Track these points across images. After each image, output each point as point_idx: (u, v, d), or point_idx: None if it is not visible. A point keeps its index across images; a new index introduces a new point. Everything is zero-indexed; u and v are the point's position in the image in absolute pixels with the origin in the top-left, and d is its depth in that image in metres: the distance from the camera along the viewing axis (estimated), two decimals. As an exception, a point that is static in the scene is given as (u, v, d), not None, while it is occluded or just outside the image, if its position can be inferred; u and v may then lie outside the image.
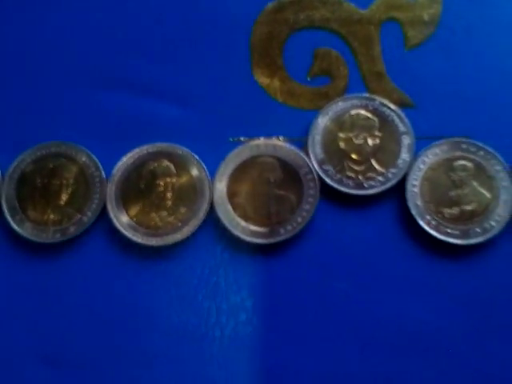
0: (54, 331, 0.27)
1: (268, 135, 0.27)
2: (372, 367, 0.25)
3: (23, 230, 0.26)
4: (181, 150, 0.27)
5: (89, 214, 0.26)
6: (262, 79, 0.28)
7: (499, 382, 0.25)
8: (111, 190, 0.27)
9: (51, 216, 0.27)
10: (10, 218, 0.27)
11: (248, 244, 0.26)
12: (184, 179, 0.26)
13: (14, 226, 0.27)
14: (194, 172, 0.26)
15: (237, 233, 0.26)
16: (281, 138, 0.27)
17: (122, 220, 0.26)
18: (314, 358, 0.25)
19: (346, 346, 0.25)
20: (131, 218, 0.26)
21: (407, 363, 0.25)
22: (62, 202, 0.27)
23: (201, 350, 0.26)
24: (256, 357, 0.26)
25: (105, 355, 0.26)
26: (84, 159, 0.27)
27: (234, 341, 0.26)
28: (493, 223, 0.25)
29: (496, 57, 0.27)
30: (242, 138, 0.27)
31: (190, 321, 0.26)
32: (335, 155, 0.27)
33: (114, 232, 0.27)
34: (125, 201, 0.27)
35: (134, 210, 0.26)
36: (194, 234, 0.26)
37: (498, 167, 0.26)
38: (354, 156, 0.27)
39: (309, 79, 0.28)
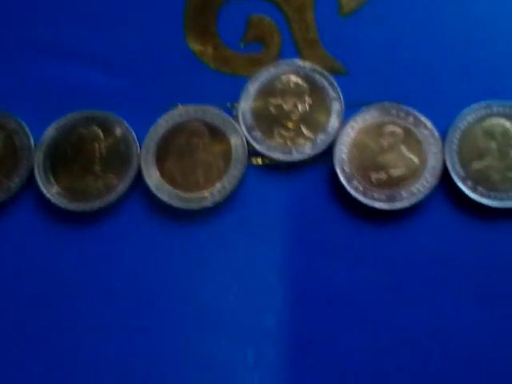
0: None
1: (200, 102, 0.27)
2: (295, 330, 0.25)
3: None
4: (109, 115, 0.27)
5: (16, 180, 0.26)
6: (196, 46, 0.28)
7: (422, 346, 0.25)
8: (39, 156, 0.27)
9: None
10: None
11: (176, 210, 0.26)
12: (112, 145, 0.26)
13: None
14: (123, 137, 0.26)
15: (164, 198, 0.26)
16: (211, 104, 0.27)
17: (49, 186, 0.26)
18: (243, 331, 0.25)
19: (271, 307, 0.25)
20: (59, 184, 0.26)
21: (332, 326, 0.25)
22: (-11, 167, 0.26)
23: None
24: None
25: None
26: (13, 126, 0.27)
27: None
28: (420, 188, 0.25)
29: (427, 24, 0.27)
30: (179, 105, 0.27)
31: (117, 285, 0.26)
32: (265, 121, 0.26)
33: (42, 198, 0.26)
34: (53, 167, 0.26)
35: (62, 176, 0.26)
36: (121, 200, 0.26)
37: (427, 132, 0.26)
38: (283, 122, 0.26)
39: (242, 46, 0.28)
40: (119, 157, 0.26)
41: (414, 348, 0.24)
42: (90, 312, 0.26)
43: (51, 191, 0.26)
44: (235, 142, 0.26)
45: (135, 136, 0.26)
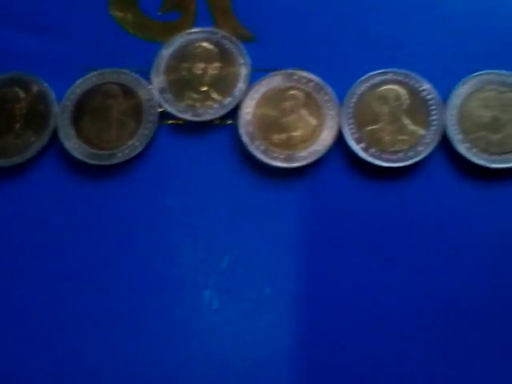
0: None
1: (118, 65, 0.29)
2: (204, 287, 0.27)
3: None
4: (30, 76, 0.28)
5: None
6: (117, 13, 0.30)
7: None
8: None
9: None
10: None
11: (90, 166, 0.28)
12: (31, 104, 0.28)
13: None
14: (41, 96, 0.28)
15: (78, 156, 0.28)
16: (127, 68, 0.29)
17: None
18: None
19: (177, 257, 0.27)
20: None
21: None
22: None
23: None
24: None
25: None
26: None
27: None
28: (317, 148, 0.27)
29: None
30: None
31: (36, 238, 0.28)
32: (176, 84, 0.28)
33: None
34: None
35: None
36: (38, 156, 0.28)
37: (327, 97, 0.28)
38: (193, 85, 0.28)
39: (159, 14, 0.30)
40: (38, 116, 0.28)
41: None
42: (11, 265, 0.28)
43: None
44: (147, 103, 0.28)
45: (54, 95, 0.28)
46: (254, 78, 0.28)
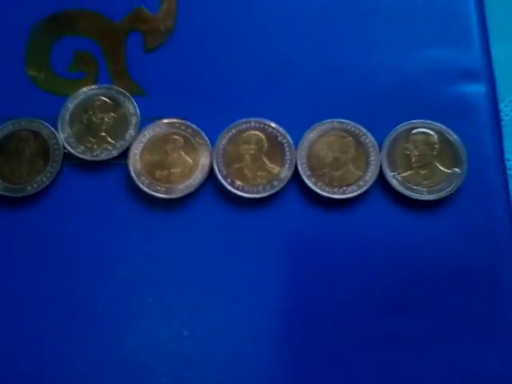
0: None
1: (30, 116, 0.35)
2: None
3: None
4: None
5: None
6: (32, 72, 0.36)
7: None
8: None
9: None
10: None
11: (5, 199, 0.34)
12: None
13: None
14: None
15: (-4, 189, 0.34)
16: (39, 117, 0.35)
17: None
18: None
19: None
20: None
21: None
22: None
23: None
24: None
25: None
26: None
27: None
28: (192, 182, 0.33)
29: (212, 57, 0.36)
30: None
31: None
32: (79, 131, 0.34)
33: None
34: None
35: None
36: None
37: (201, 141, 0.34)
38: (92, 131, 0.34)
39: (69, 73, 0.36)
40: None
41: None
42: None
43: None
44: (53, 145, 0.34)
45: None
46: (142, 125, 0.34)
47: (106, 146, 0.34)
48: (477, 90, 0.35)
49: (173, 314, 0.32)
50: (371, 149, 0.34)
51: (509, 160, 0.35)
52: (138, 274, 0.33)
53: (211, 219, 0.33)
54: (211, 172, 0.34)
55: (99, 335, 0.32)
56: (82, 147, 0.34)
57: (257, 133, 0.34)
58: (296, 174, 0.33)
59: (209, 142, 0.34)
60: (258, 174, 0.33)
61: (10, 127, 0.34)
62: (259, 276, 0.33)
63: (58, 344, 0.32)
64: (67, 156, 0.34)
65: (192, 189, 0.33)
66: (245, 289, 0.32)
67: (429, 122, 0.34)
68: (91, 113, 0.34)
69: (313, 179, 0.33)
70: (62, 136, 0.34)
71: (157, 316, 0.32)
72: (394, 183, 0.33)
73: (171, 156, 0.34)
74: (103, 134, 0.34)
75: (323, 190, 0.33)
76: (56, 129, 0.34)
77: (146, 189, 0.33)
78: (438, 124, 0.34)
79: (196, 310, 0.32)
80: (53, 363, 0.32)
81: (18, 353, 0.32)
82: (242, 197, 0.33)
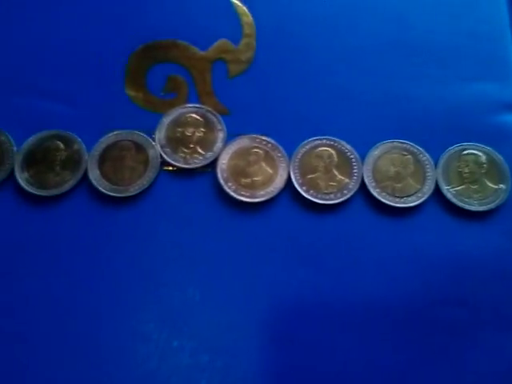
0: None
1: (131, 128, 0.40)
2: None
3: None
4: (68, 134, 0.40)
5: (2, 173, 0.39)
6: (131, 92, 0.41)
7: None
8: (18, 159, 0.39)
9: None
10: None
11: (109, 197, 0.39)
12: (69, 153, 0.39)
13: None
14: (77, 149, 0.39)
15: (101, 189, 0.39)
16: (139, 130, 0.40)
17: (25, 179, 0.39)
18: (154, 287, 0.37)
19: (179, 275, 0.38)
20: (31, 177, 0.39)
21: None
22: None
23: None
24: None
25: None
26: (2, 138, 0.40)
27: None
28: (272, 189, 0.39)
29: (283, 85, 0.41)
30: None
31: (67, 260, 0.38)
32: (173, 142, 0.40)
33: (19, 187, 0.39)
34: (27, 167, 0.39)
35: (32, 172, 0.39)
36: (72, 190, 0.39)
37: (279, 154, 0.39)
38: (185, 143, 0.40)
39: (162, 94, 0.42)
40: (73, 161, 0.39)
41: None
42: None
43: (24, 181, 0.39)
44: (152, 154, 0.39)
45: (85, 148, 0.39)
46: (228, 140, 0.40)
47: (196, 156, 0.39)
48: (516, 118, 0.40)
49: (251, 306, 0.37)
50: (428, 166, 0.39)
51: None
52: (225, 268, 0.37)
53: (289, 222, 0.38)
54: (289, 181, 0.38)
55: (190, 323, 0.36)
56: (176, 156, 0.39)
57: (328, 149, 0.39)
58: (362, 185, 0.38)
59: (286, 155, 0.39)
60: (330, 183, 0.38)
61: (114, 138, 0.39)
62: (330, 272, 0.37)
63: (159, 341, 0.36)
64: (163, 163, 0.39)
65: (272, 195, 0.38)
66: (319, 284, 0.37)
67: (478, 144, 0.39)
68: (184, 128, 0.40)
69: (377, 190, 0.38)
70: (158, 146, 0.39)
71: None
72: (449, 196, 0.38)
73: (253, 166, 0.39)
74: (194, 145, 0.39)
75: (387, 200, 0.38)
76: (153, 140, 0.39)
77: (232, 193, 0.38)
78: (486, 146, 0.39)
79: (281, 305, 0.37)
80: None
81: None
82: (315, 203, 0.38)
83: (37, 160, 0.39)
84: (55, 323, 0.36)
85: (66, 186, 0.38)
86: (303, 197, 0.38)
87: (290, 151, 0.39)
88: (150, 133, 0.40)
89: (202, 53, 0.42)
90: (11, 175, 0.39)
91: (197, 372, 0.35)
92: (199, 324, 0.36)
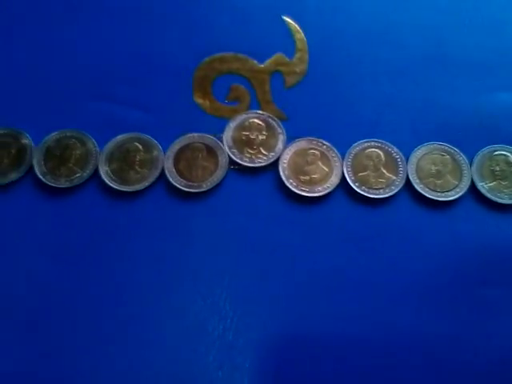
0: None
1: (200, 132, 0.45)
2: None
3: (46, 179, 0.44)
4: (146, 136, 0.45)
5: (87, 171, 0.44)
6: (199, 100, 0.47)
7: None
8: (101, 158, 0.44)
9: (63, 172, 0.44)
10: (38, 172, 0.44)
11: (184, 192, 0.44)
12: (147, 153, 0.44)
13: (40, 177, 0.44)
14: (153, 149, 0.44)
15: (177, 185, 0.44)
16: (208, 134, 0.45)
17: (106, 173, 0.44)
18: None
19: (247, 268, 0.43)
20: (112, 173, 0.44)
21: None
22: (71, 164, 0.44)
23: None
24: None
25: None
26: (89, 143, 0.45)
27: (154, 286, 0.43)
28: (329, 185, 0.44)
29: (333, 93, 0.47)
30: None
31: (145, 252, 0.43)
32: (239, 144, 0.45)
33: (101, 183, 0.44)
34: (109, 163, 0.44)
35: (114, 169, 0.44)
36: (151, 186, 0.44)
37: (333, 154, 0.45)
38: (249, 145, 0.45)
39: (227, 102, 0.47)
40: (150, 161, 0.44)
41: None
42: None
43: (108, 177, 0.44)
44: (221, 155, 0.44)
45: (161, 148, 0.44)
46: (287, 142, 0.45)
47: (260, 156, 0.44)
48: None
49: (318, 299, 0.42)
50: (464, 165, 0.44)
51: None
52: (288, 257, 0.42)
53: (344, 214, 0.43)
54: (343, 178, 0.44)
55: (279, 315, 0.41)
56: (243, 156, 0.44)
57: (376, 150, 0.44)
58: (407, 182, 0.44)
59: (339, 155, 0.44)
60: (379, 180, 0.44)
61: (187, 140, 0.45)
62: (381, 257, 0.42)
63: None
64: (231, 163, 0.44)
65: (329, 190, 0.43)
66: (372, 269, 0.42)
67: (507, 146, 0.45)
68: (249, 131, 0.45)
69: (421, 185, 0.43)
70: (227, 148, 0.44)
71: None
72: (483, 190, 0.43)
73: (311, 165, 0.44)
74: (258, 147, 0.44)
75: (429, 194, 0.43)
76: (222, 142, 0.44)
77: (293, 189, 0.43)
78: (514, 148, 0.45)
79: (346, 299, 0.42)
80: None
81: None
82: (367, 197, 0.43)
83: (119, 160, 0.44)
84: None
85: (145, 183, 0.43)
86: (356, 192, 0.43)
87: (342, 152, 0.44)
88: (218, 136, 0.45)
89: (260, 65, 0.47)
90: (95, 173, 0.44)
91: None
92: (277, 309, 0.41)
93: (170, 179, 0.43)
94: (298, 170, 0.44)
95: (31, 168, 0.44)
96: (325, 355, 0.40)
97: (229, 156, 0.44)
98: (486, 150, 0.45)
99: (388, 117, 0.46)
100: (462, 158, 0.44)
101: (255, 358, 0.40)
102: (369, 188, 0.43)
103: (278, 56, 0.48)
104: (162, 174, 0.44)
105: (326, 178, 0.43)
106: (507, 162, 0.44)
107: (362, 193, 0.43)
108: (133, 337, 0.40)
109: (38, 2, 0.49)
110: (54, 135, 0.44)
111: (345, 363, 0.39)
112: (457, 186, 0.43)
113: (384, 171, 0.44)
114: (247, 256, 0.42)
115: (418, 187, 0.43)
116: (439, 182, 0.43)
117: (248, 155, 0.44)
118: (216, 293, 0.41)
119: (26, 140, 0.44)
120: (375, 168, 0.44)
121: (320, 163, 0.44)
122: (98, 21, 0.48)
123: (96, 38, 0.48)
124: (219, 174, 0.43)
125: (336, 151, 0.44)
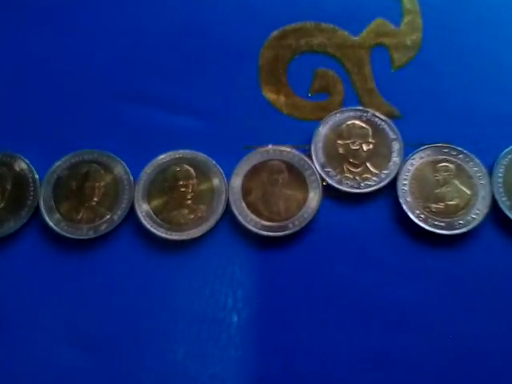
0: (86, 319, 0.29)
1: (276, 143, 0.31)
2: (369, 343, 0.28)
3: (59, 228, 0.30)
4: (200, 155, 0.30)
5: (118, 212, 0.30)
6: (270, 95, 0.32)
7: (479, 358, 0.28)
8: (138, 191, 0.30)
9: (84, 215, 0.30)
10: (47, 218, 0.30)
11: (260, 237, 0.30)
12: (203, 181, 0.30)
13: (51, 225, 0.30)
14: (212, 175, 0.30)
15: (250, 227, 0.30)
16: (287, 145, 0.31)
17: (146, 214, 0.30)
18: (319, 335, 0.29)
19: (346, 324, 0.29)
20: (155, 213, 0.30)
21: (400, 338, 0.29)
22: (94, 203, 0.30)
23: (219, 334, 0.29)
24: (269, 338, 0.29)
25: (130, 340, 0.29)
26: (118, 168, 0.30)
27: (250, 324, 0.29)
28: (474, 216, 0.29)
29: (467, 74, 0.32)
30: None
31: (210, 307, 0.29)
32: (335, 159, 0.30)
33: (140, 228, 0.30)
34: (149, 199, 0.30)
35: (157, 207, 0.30)
36: (212, 230, 0.30)
37: (476, 168, 0.30)
38: (351, 160, 0.30)
39: (310, 95, 0.32)
40: (210, 192, 0.30)
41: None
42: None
43: (148, 220, 0.30)
44: (310, 177, 0.30)
45: (223, 173, 0.30)
46: (406, 152, 0.30)
47: (368, 176, 0.30)
48: None
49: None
50: None
51: None
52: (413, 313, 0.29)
53: (496, 256, 0.29)
54: (493, 203, 0.29)
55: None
56: (341, 178, 0.30)
57: None
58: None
59: (485, 169, 0.30)
60: None
61: (257, 158, 0.30)
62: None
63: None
64: (325, 187, 0.30)
65: (475, 224, 0.29)
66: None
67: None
68: (347, 139, 0.30)
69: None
70: (317, 165, 0.30)
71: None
72: None
73: (445, 187, 0.30)
74: (363, 162, 0.30)
75: None
76: (309, 157, 0.30)
77: (422, 224, 0.29)
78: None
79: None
80: None
81: None
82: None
83: (163, 191, 0.30)
84: None
85: (203, 227, 0.29)
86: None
87: (487, 163, 0.30)
88: (303, 148, 0.31)
89: (354, 38, 0.33)
90: (130, 214, 0.30)
91: None
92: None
93: (240, 218, 0.29)
94: (425, 195, 0.29)
95: (36, 210, 0.30)
96: None
97: (321, 177, 0.30)
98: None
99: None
100: None
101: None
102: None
103: (379, 23, 0.33)
104: (227, 211, 0.29)
105: (468, 203, 0.29)
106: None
107: None
108: None
109: None
110: (65, 160, 0.30)
111: None
112: None
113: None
114: (352, 310, 0.28)
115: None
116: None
117: (350, 175, 0.30)
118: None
119: (24, 165, 0.30)
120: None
121: (457, 182, 0.29)
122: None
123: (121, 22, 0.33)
124: (310, 207, 0.29)
125: (479, 162, 0.29)
